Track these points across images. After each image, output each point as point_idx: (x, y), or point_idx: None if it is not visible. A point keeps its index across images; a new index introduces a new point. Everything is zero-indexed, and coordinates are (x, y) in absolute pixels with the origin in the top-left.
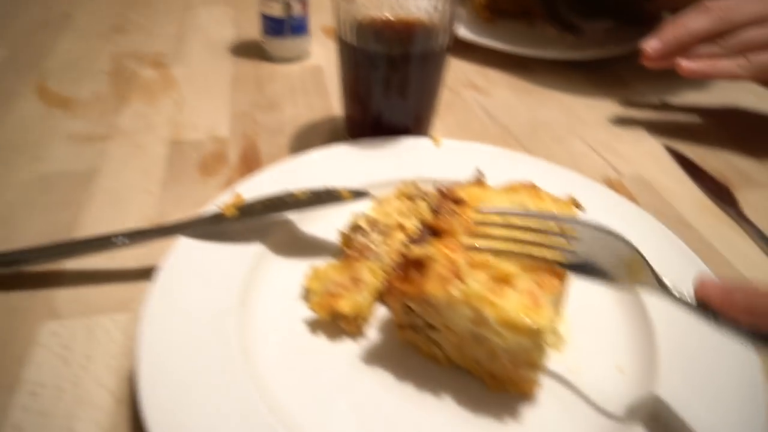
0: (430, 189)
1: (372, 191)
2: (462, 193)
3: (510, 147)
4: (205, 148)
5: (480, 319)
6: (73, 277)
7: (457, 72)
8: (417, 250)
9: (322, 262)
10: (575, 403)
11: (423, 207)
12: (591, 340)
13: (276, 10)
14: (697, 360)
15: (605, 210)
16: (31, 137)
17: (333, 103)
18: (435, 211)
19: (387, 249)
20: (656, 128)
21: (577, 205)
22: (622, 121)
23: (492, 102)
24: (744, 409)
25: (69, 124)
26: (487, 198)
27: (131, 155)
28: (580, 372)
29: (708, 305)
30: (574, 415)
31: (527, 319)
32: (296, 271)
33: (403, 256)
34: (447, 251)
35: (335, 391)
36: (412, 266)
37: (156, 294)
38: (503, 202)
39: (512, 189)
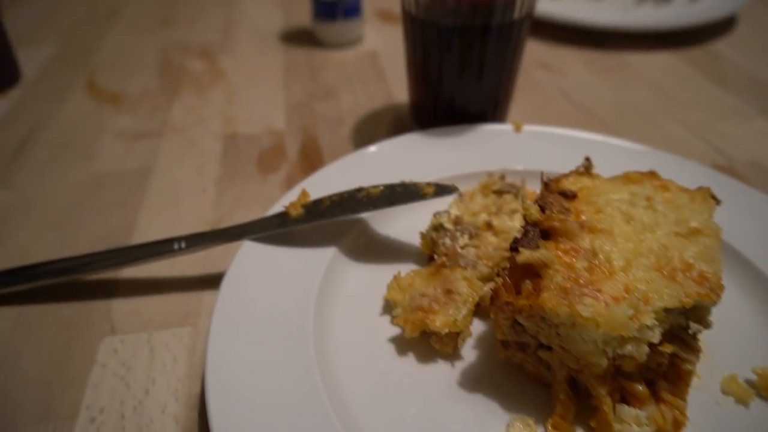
0: (517, 182)
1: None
2: (571, 185)
3: (597, 132)
4: (261, 142)
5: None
6: (130, 287)
7: (525, 52)
8: (529, 255)
9: (402, 268)
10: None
11: (510, 202)
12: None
13: None
14: None
15: (742, 205)
16: (82, 135)
17: (394, 90)
18: (541, 207)
19: (477, 252)
20: (766, 106)
21: (714, 198)
22: (723, 99)
23: (569, 83)
24: None
25: (119, 120)
26: (601, 191)
27: (184, 152)
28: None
29: None
30: None
31: None
32: (374, 278)
33: (511, 261)
34: (563, 256)
35: (431, 426)
36: (523, 274)
37: (223, 306)
38: (622, 195)
39: (630, 179)
